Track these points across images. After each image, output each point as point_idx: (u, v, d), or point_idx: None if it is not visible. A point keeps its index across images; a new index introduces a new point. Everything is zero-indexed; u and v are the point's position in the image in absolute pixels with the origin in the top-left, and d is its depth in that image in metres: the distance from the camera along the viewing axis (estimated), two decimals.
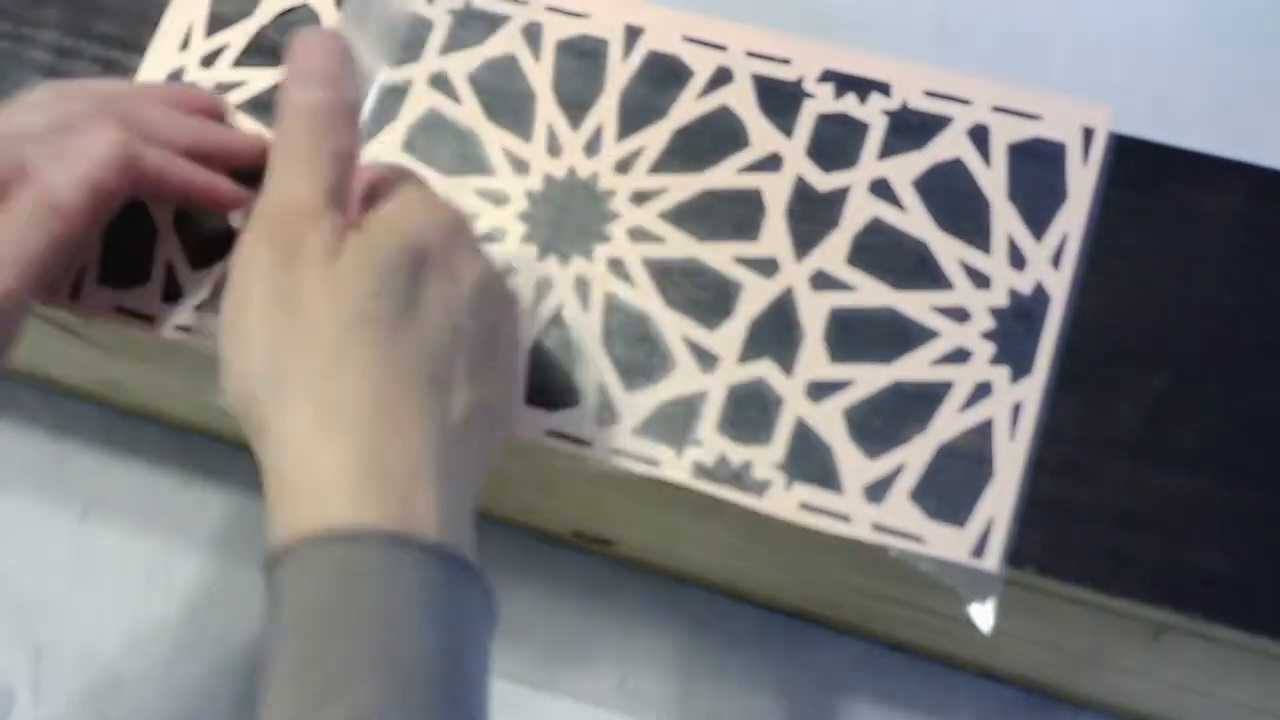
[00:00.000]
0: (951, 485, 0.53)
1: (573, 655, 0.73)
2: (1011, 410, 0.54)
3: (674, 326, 0.56)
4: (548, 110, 0.60)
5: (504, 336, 0.50)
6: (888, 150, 0.57)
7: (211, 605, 0.77)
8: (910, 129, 0.58)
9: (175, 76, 0.62)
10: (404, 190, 0.50)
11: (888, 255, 0.56)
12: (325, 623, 0.42)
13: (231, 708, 0.76)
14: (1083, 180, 0.56)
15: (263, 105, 0.61)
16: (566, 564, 0.74)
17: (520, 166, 0.59)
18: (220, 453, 0.80)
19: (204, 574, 0.78)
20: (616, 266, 0.57)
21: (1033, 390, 0.54)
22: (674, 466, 0.55)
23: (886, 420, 0.54)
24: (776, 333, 0.56)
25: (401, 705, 0.41)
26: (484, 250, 0.51)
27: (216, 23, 0.63)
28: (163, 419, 0.81)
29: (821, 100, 0.58)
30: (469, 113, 0.60)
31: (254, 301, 0.46)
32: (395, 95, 0.61)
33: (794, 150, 0.58)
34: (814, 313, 0.56)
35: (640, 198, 0.58)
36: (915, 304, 0.55)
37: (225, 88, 0.62)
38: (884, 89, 0.58)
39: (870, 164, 0.57)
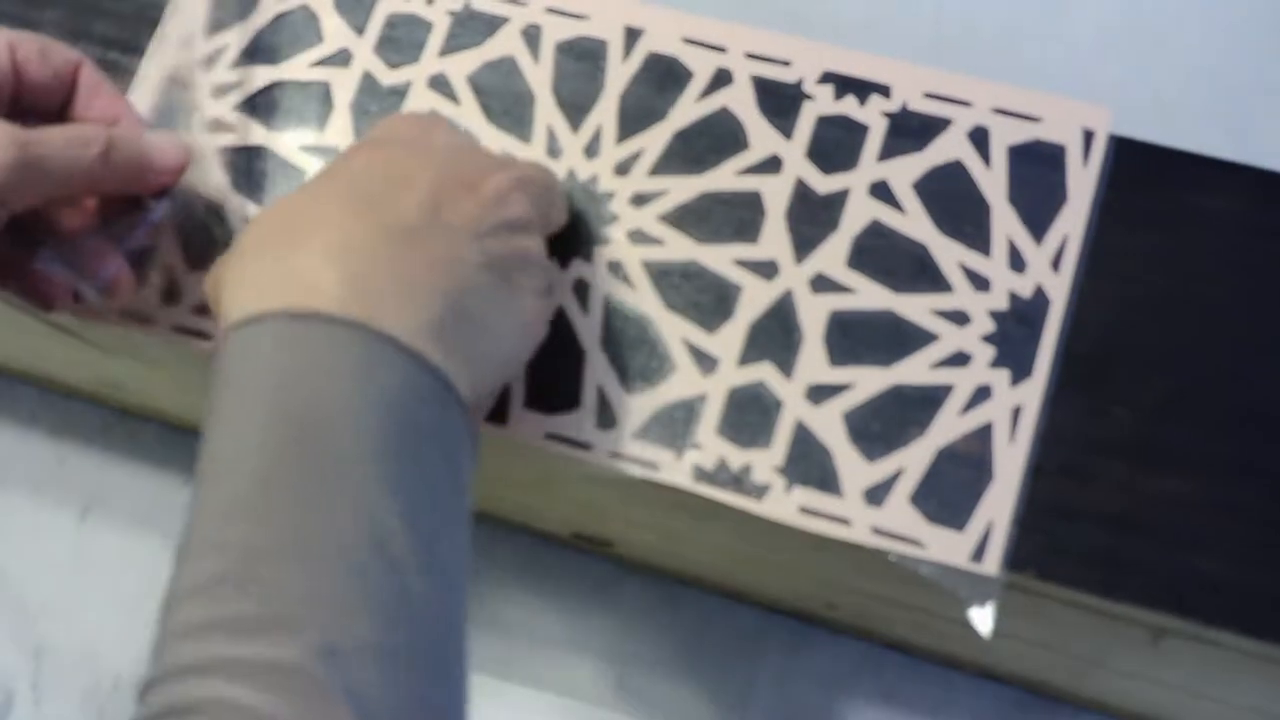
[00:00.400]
0: (951, 489, 0.53)
1: (573, 655, 0.73)
2: (1011, 413, 0.54)
3: (674, 329, 0.56)
4: (547, 112, 0.60)
5: (482, 197, 0.51)
6: (887, 152, 0.57)
7: None
8: (910, 131, 0.57)
9: (174, 78, 0.62)
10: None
11: (887, 258, 0.56)
12: (235, 386, 0.45)
13: None
14: (1083, 182, 0.56)
15: (260, 106, 0.61)
16: (566, 564, 0.74)
17: None
18: None
19: None
20: (616, 269, 0.57)
21: (1032, 393, 0.54)
22: (673, 470, 0.55)
23: (886, 423, 0.54)
24: (776, 335, 0.56)
25: (292, 492, 0.43)
26: (470, 139, 0.56)
27: (215, 24, 0.63)
28: (163, 419, 0.81)
29: (821, 102, 0.58)
30: (468, 114, 0.60)
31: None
32: (394, 97, 0.61)
33: (794, 152, 0.58)
34: (814, 315, 0.55)
35: (640, 200, 0.58)
36: (915, 307, 0.55)
37: (224, 89, 0.62)
38: (884, 91, 0.58)
39: (870, 166, 0.57)
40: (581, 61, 0.60)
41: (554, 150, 0.59)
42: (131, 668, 0.76)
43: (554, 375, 0.56)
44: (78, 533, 0.79)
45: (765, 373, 0.55)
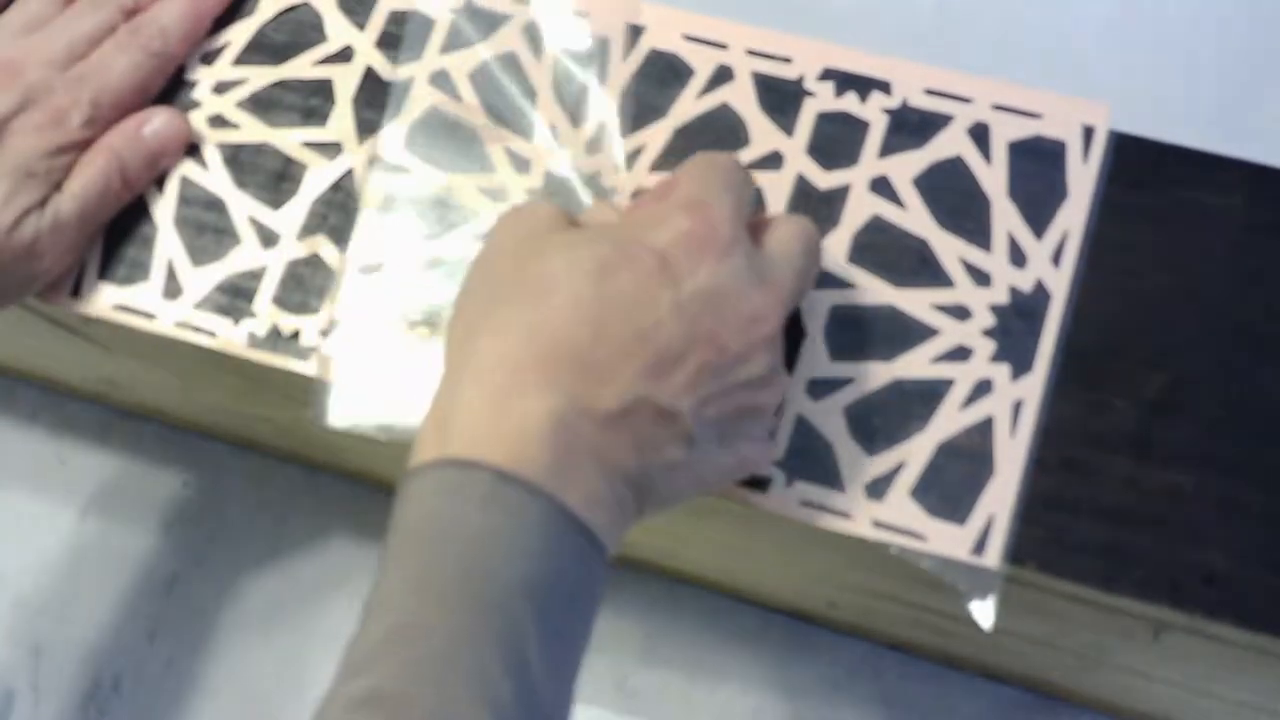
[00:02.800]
0: (952, 483, 0.53)
1: None
2: (1012, 408, 0.54)
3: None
4: (549, 108, 0.60)
5: (725, 357, 0.49)
6: (888, 148, 0.57)
7: (211, 604, 0.77)
8: (910, 127, 0.58)
9: (176, 73, 0.62)
10: (672, 191, 0.51)
11: (888, 253, 0.56)
12: (423, 533, 0.46)
13: (232, 707, 0.76)
14: (1083, 178, 0.56)
15: (263, 103, 0.61)
16: None
17: (521, 165, 0.59)
18: (220, 452, 0.80)
19: (203, 574, 0.78)
20: None
21: (1033, 388, 0.54)
22: None
23: (887, 418, 0.54)
24: None
25: (457, 626, 0.44)
26: (746, 268, 0.50)
27: (217, 20, 0.63)
28: (163, 419, 0.81)
29: (822, 98, 0.58)
30: (470, 111, 0.60)
31: (476, 263, 0.52)
32: (397, 93, 0.61)
33: (794, 148, 0.58)
34: (814, 310, 0.55)
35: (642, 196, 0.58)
36: (915, 301, 0.55)
37: (226, 86, 0.62)
38: (884, 87, 0.58)
39: (871, 162, 0.57)
40: (583, 59, 0.60)
41: (555, 147, 0.59)
42: (131, 668, 0.76)
43: None
44: (77, 532, 0.79)
45: None
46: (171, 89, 0.62)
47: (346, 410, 0.57)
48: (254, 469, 0.80)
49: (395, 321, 0.58)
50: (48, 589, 0.78)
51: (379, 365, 0.57)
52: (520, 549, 0.45)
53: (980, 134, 0.57)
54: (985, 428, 0.53)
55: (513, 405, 0.47)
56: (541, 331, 0.48)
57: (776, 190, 0.57)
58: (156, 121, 0.60)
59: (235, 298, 0.59)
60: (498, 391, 0.47)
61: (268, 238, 0.60)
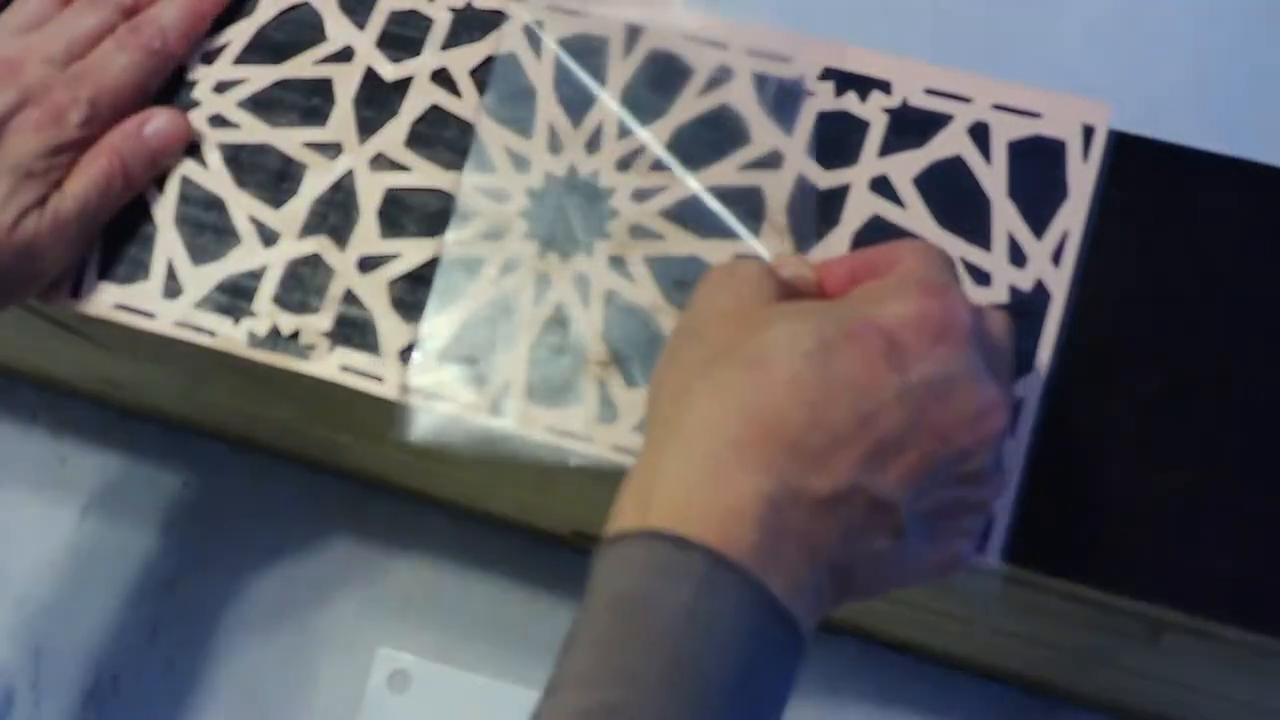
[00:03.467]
0: None
1: None
2: (1012, 407, 0.54)
3: (675, 324, 0.56)
4: (548, 108, 0.60)
5: (949, 450, 0.47)
6: (888, 148, 0.57)
7: (211, 605, 0.77)
8: (910, 127, 0.58)
9: (176, 73, 0.62)
10: (899, 268, 0.49)
11: None
12: (628, 611, 0.44)
13: (232, 707, 0.76)
14: (1083, 178, 0.56)
15: (263, 103, 0.61)
16: (566, 564, 0.74)
17: (521, 164, 0.59)
18: (220, 452, 0.80)
19: (204, 574, 0.78)
20: (617, 264, 0.57)
21: (1033, 387, 0.54)
22: None
23: None
24: None
25: (661, 714, 0.43)
26: (982, 360, 0.47)
27: (217, 20, 0.63)
28: (163, 419, 0.81)
29: (822, 98, 0.58)
30: (469, 109, 0.60)
31: (684, 322, 0.51)
32: (396, 91, 0.61)
33: (794, 148, 0.58)
34: None
35: (641, 195, 0.58)
36: None
37: (226, 85, 0.62)
38: (884, 87, 0.58)
39: (870, 162, 0.57)
40: (583, 57, 0.60)
41: (555, 146, 0.59)
42: (131, 668, 0.76)
43: (552, 371, 0.56)
44: (77, 531, 0.79)
45: None
46: (171, 88, 0.62)
47: (427, 425, 0.57)
48: (254, 469, 0.80)
49: (472, 332, 0.58)
50: (48, 589, 0.78)
51: (459, 380, 0.57)
52: (727, 637, 0.44)
53: (980, 134, 0.57)
54: None
55: (723, 483, 0.45)
56: (757, 408, 0.46)
57: (776, 190, 0.57)
58: (157, 121, 0.60)
59: (235, 297, 0.59)
60: (708, 467, 0.46)
61: (268, 237, 0.60)
